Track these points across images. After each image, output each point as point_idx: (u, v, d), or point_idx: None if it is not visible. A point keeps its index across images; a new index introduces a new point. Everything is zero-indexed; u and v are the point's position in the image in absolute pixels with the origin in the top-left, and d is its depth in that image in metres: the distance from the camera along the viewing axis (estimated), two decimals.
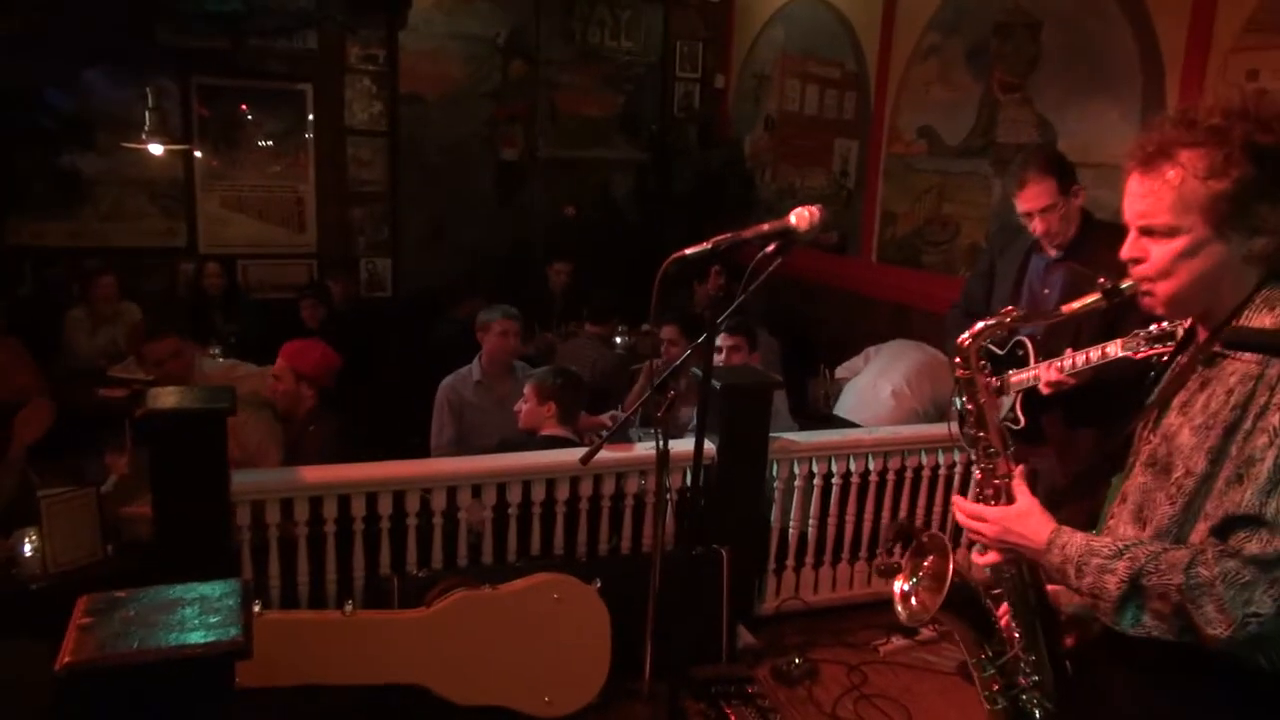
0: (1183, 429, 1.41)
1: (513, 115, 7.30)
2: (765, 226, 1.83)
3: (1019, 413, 2.96)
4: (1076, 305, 1.54)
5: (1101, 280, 1.50)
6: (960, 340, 1.60)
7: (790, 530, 3.71)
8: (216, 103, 6.51)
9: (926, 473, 3.82)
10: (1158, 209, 1.38)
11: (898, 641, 3.54)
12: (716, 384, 3.38)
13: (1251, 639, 1.28)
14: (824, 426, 4.30)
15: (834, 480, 3.69)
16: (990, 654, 1.65)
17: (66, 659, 1.73)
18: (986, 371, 1.62)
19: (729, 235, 1.81)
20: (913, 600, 1.70)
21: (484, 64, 7.18)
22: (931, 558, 1.71)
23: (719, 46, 7.64)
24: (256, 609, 2.68)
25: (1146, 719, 1.47)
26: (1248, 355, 1.36)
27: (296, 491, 3.00)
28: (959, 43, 5.19)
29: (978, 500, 1.62)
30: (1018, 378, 2.94)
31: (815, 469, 3.67)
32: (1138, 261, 1.44)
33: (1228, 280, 1.39)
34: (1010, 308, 1.59)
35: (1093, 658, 1.59)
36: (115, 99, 6.16)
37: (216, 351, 5.26)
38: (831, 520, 3.75)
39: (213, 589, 1.98)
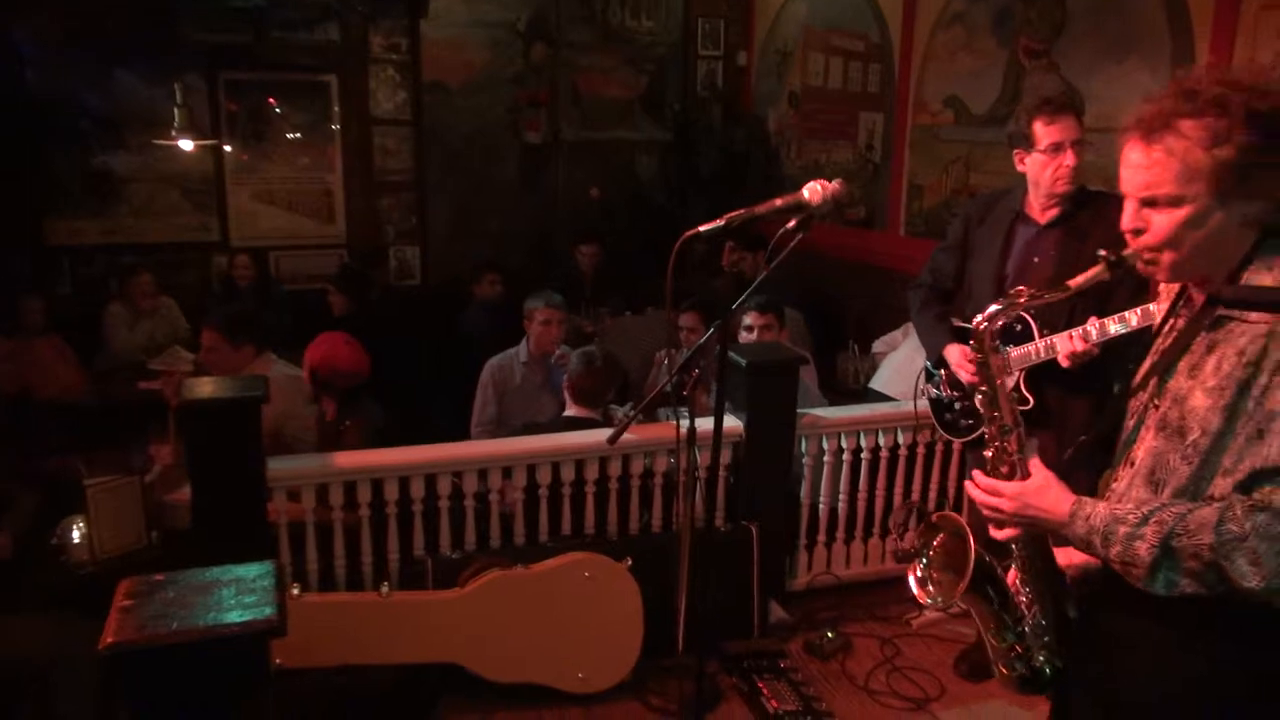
0: (1194, 392, 1.43)
1: (535, 99, 7.31)
2: (778, 201, 1.83)
3: (1025, 391, 2.81)
4: (1082, 279, 1.55)
5: (1104, 252, 1.51)
6: (975, 323, 1.63)
7: (820, 505, 3.72)
8: (243, 97, 6.59)
9: (957, 446, 3.80)
10: (1162, 179, 1.41)
11: (930, 614, 3.54)
12: (742, 361, 3.39)
13: None
14: (854, 402, 4.28)
15: (863, 455, 3.69)
16: (1010, 622, 1.67)
17: (109, 639, 1.79)
18: (1000, 352, 1.62)
19: (743, 211, 1.81)
20: (928, 583, 1.73)
21: (505, 49, 7.18)
22: (941, 536, 1.73)
23: (740, 23, 7.57)
24: (295, 592, 2.76)
25: (1164, 668, 1.50)
26: (1255, 315, 1.38)
27: (331, 477, 3.06)
28: (984, 8, 5.10)
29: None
30: (1021, 353, 2.80)
31: (844, 444, 3.67)
32: (1139, 232, 1.46)
33: (1227, 245, 1.43)
34: (1022, 287, 1.61)
35: (1097, 611, 1.63)
36: (144, 97, 6.27)
37: None
38: (862, 495, 3.75)
39: (248, 570, 2.03)
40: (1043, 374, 2.78)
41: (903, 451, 3.73)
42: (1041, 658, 1.65)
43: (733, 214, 1.80)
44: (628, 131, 7.58)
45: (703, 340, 2.34)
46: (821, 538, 3.75)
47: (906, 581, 1.77)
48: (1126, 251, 1.50)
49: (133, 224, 6.50)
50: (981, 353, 1.64)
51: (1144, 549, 1.39)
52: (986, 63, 5.09)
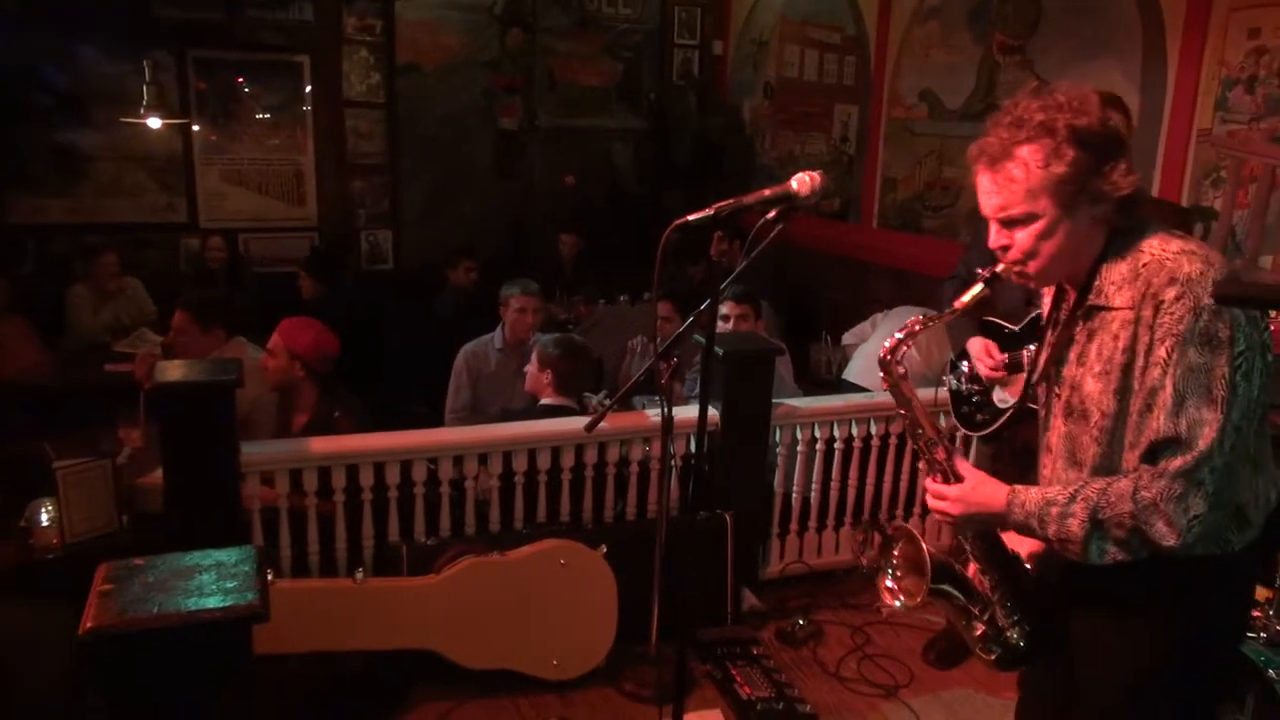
0: (1085, 378, 1.61)
1: (511, 85, 7.26)
2: (766, 192, 1.84)
3: None
4: (967, 299, 1.72)
5: (981, 270, 1.68)
6: (880, 354, 1.77)
7: (793, 495, 3.75)
8: (213, 76, 6.47)
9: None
10: (1012, 201, 1.57)
11: None
12: (719, 351, 3.40)
13: (1197, 538, 1.50)
14: (828, 392, 4.32)
15: (836, 445, 3.73)
16: (978, 612, 1.77)
17: (89, 624, 1.77)
18: (906, 378, 1.79)
19: (731, 201, 1.82)
20: (899, 590, 1.84)
21: (481, 33, 7.12)
22: (899, 546, 1.84)
23: (717, 12, 7.57)
24: (269, 577, 2.73)
25: (1112, 644, 1.66)
26: (1119, 303, 1.55)
27: (306, 462, 3.04)
28: (960, 4, 5.15)
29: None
30: None
31: (817, 434, 3.71)
32: (1006, 249, 1.63)
33: (1083, 245, 1.59)
34: (917, 317, 1.75)
35: (1046, 595, 1.79)
36: (111, 74, 6.13)
37: None
38: (834, 484, 3.78)
39: (228, 555, 2.02)
40: None
41: (875, 442, 3.77)
42: (1014, 635, 1.76)
43: (721, 204, 1.80)
44: (603, 119, 7.55)
45: (680, 330, 2.35)
46: (794, 526, 3.79)
47: (879, 593, 1.88)
48: (999, 268, 1.66)
49: (98, 203, 6.36)
50: (890, 380, 1.78)
51: (1076, 525, 1.55)
52: (961, 58, 5.14)
